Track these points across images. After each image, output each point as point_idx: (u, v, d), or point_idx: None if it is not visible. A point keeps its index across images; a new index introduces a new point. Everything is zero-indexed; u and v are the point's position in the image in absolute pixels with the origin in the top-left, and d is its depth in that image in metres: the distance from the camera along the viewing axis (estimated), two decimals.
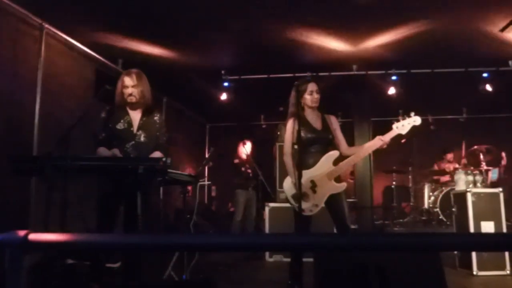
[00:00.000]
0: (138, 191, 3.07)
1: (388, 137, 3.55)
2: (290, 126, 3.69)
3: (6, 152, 3.60)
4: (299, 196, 3.35)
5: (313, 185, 3.55)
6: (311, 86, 3.69)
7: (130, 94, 3.43)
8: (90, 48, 5.81)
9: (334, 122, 3.79)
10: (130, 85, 3.43)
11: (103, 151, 3.32)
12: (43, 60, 4.91)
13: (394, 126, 3.59)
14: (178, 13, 5.01)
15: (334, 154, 3.61)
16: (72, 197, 3.33)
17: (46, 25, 4.95)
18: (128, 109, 3.50)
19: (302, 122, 3.60)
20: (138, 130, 3.47)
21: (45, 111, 4.91)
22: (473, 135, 8.68)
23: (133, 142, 3.43)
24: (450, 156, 8.50)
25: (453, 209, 5.08)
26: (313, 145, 3.63)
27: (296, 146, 3.58)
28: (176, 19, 5.20)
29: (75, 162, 2.90)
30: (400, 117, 3.62)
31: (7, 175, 3.10)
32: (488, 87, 6.94)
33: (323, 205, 3.57)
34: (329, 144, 3.68)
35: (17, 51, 4.65)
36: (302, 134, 3.54)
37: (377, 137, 3.59)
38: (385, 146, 3.59)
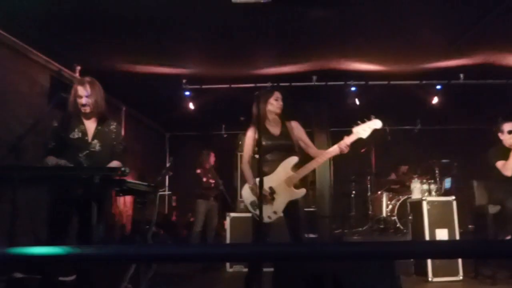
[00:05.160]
0: (93, 202, 2.98)
1: (348, 141, 3.48)
2: (250, 134, 3.71)
3: None
4: (260, 203, 3.25)
5: (272, 191, 3.52)
6: (277, 94, 3.79)
7: (84, 105, 3.34)
8: (45, 54, 5.59)
9: (296, 127, 3.80)
10: (84, 95, 3.34)
11: (51, 159, 3.18)
12: None
13: (354, 130, 3.51)
14: (139, 20, 4.92)
15: (292, 160, 3.59)
16: (22, 208, 3.17)
17: None
18: (82, 118, 3.41)
19: (262, 130, 3.58)
20: (93, 139, 3.38)
21: None
22: (425, 146, 9.03)
23: (87, 151, 3.33)
24: (404, 168, 8.76)
25: (409, 217, 5.23)
26: (270, 152, 3.60)
27: (257, 156, 3.56)
28: (137, 27, 5.10)
29: (25, 172, 2.79)
30: (359, 121, 3.54)
31: None
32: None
33: (281, 213, 3.53)
34: (288, 150, 3.64)
35: None
36: (262, 141, 3.53)
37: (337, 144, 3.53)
38: (346, 151, 3.49)
